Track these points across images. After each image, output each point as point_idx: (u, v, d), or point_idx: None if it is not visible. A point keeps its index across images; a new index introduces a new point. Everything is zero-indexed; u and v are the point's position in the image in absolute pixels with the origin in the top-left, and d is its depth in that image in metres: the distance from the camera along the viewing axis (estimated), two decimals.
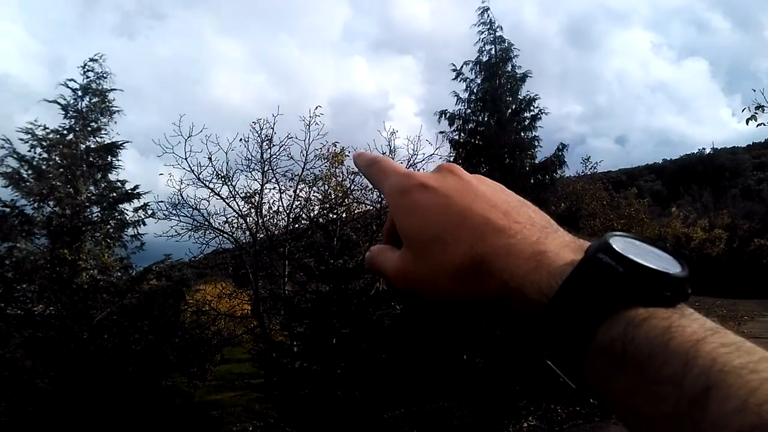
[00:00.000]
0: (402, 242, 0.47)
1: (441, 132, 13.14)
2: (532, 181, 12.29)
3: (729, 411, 0.28)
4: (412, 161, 14.77)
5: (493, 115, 12.40)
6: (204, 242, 14.16)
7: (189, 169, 13.30)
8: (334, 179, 16.46)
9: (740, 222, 30.79)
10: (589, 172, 21.15)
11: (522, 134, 12.44)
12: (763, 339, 12.99)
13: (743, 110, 7.12)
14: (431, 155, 15.05)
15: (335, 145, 16.15)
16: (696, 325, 0.33)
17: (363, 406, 8.69)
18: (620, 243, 0.37)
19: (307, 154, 14.60)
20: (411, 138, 15.49)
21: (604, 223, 18.06)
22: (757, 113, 7.09)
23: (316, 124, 14.47)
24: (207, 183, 13.59)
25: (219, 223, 14.10)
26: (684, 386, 0.30)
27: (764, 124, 7.15)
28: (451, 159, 13.04)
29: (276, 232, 15.14)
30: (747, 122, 7.16)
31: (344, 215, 15.45)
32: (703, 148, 62.00)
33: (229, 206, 14.03)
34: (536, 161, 12.47)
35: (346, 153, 16.45)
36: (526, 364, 9.42)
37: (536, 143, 12.35)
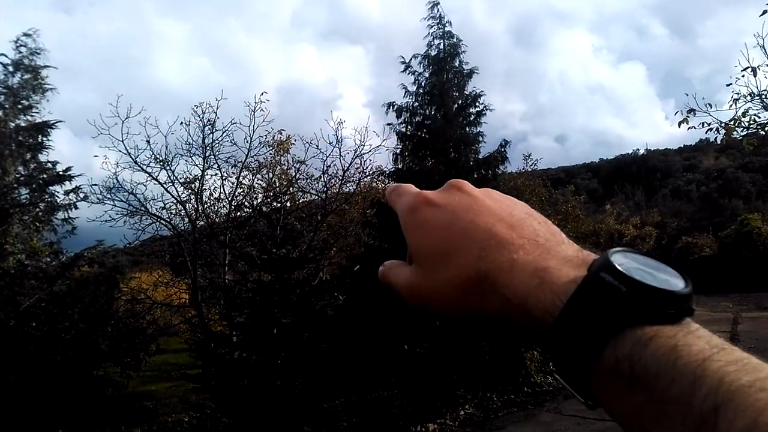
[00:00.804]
0: (412, 258, 0.48)
1: (389, 124, 13.16)
2: (475, 175, 12.49)
3: (738, 430, 0.28)
4: (358, 152, 14.78)
5: (440, 110, 12.50)
6: (140, 228, 13.70)
7: (126, 152, 12.81)
8: (278, 167, 16.25)
9: (669, 220, 32.48)
10: (530, 169, 21.76)
11: (467, 129, 12.60)
12: None
13: (676, 113, 7.47)
14: (378, 147, 15.08)
15: (281, 133, 15.94)
16: (702, 342, 0.33)
17: (303, 396, 8.66)
18: (622, 260, 0.37)
19: (251, 141, 14.33)
20: (358, 129, 15.50)
21: None
22: (689, 117, 7.45)
23: (262, 110, 14.21)
24: (144, 167, 13.12)
25: (156, 209, 13.65)
26: (692, 405, 0.30)
27: (695, 128, 7.51)
28: (398, 151, 13.12)
29: (217, 219, 14.82)
30: (679, 125, 7.51)
31: (288, 204, 15.27)
32: (638, 149, 65.03)
33: (168, 192, 13.60)
34: (480, 156, 12.67)
35: (292, 141, 16.25)
36: (464, 353, 9.63)
37: (480, 139, 12.54)
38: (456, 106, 12.80)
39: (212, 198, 14.79)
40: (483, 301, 0.41)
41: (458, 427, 8.91)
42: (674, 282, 0.37)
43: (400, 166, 12.89)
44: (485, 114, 12.71)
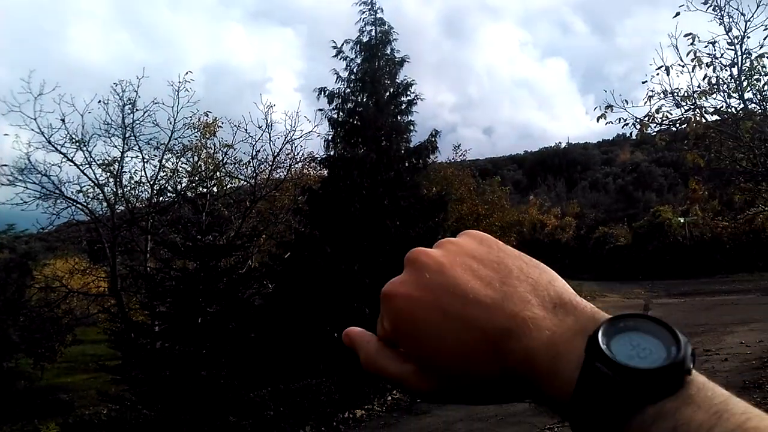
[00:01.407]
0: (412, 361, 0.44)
1: (320, 110, 13.03)
2: (406, 164, 12.61)
3: None
4: (289, 137, 14.55)
5: (372, 97, 12.50)
6: (55, 212, 12.92)
7: (39, 131, 12.06)
8: (204, 151, 15.71)
9: (588, 211, 34.14)
10: (459, 160, 22.25)
11: (399, 118, 12.68)
12: None
13: (595, 108, 7.82)
14: (309, 133, 14.91)
15: (207, 115, 15.41)
16: (701, 414, 0.32)
17: (229, 386, 8.48)
18: (611, 340, 0.36)
19: (175, 122, 13.81)
20: (289, 114, 15.26)
21: (471, 208, 19.14)
22: (606, 112, 7.81)
23: (187, 90, 13.76)
24: (59, 147, 12.40)
25: (72, 192, 12.93)
26: None
27: (612, 123, 7.88)
28: (330, 138, 13.03)
29: (138, 204, 14.21)
30: (598, 120, 7.87)
31: (215, 189, 14.85)
32: (560, 143, 67.65)
33: (84, 174, 12.90)
34: (411, 145, 12.80)
35: (219, 124, 15.75)
36: None
37: (412, 128, 12.66)
38: (388, 94, 12.83)
39: (133, 181, 14.16)
40: (506, 390, 0.40)
41: (386, 412, 9.04)
42: (666, 350, 0.36)
43: (332, 153, 12.81)
44: (416, 103, 12.85)
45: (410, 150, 12.83)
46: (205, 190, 14.41)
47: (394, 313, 0.44)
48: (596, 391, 0.35)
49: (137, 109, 13.13)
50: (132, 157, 13.75)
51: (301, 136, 14.78)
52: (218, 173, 15.33)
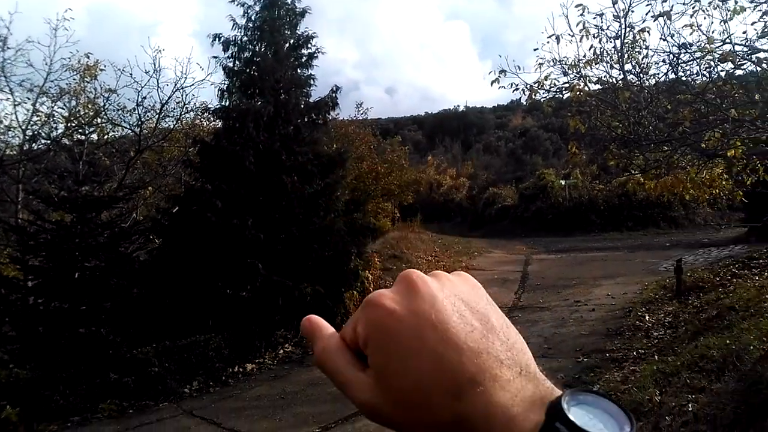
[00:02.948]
0: (374, 376, 0.43)
1: (215, 57, 12.32)
2: (306, 119, 12.34)
3: None
4: (180, 84, 13.74)
5: (271, 47, 11.97)
6: None
7: None
8: (84, 95, 14.41)
9: (481, 173, 35.60)
10: (360, 118, 22.14)
11: (299, 71, 12.29)
12: (487, 270, 15.46)
13: (490, 73, 8.02)
14: (202, 81, 14.12)
15: (88, 57, 14.12)
16: None
17: (110, 343, 8.09)
18: (571, 408, 0.39)
19: (51, 63, 12.55)
20: (180, 59, 14.32)
21: (371, 166, 19.22)
22: (500, 77, 8.04)
23: (66, 29, 12.61)
24: None
25: None
26: None
27: (505, 87, 8.15)
28: (225, 87, 12.39)
29: (8, 151, 12.87)
30: (492, 84, 8.09)
31: (96, 137, 13.76)
32: (458, 106, 69.42)
33: None
34: (311, 100, 12.51)
35: (102, 67, 14.47)
36: (285, 295, 9.72)
37: (312, 82, 12.32)
38: (288, 45, 12.38)
39: (2, 126, 12.76)
40: None
41: (277, 365, 9.09)
42: (619, 428, 0.39)
43: (226, 104, 12.22)
44: (317, 57, 12.51)
45: (310, 105, 12.54)
46: (83, 137, 13.30)
47: (374, 323, 0.43)
48: None
49: (8, 47, 11.76)
50: (1, 99, 12.37)
51: (192, 84, 14.03)
52: (99, 119, 14.17)
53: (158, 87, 13.40)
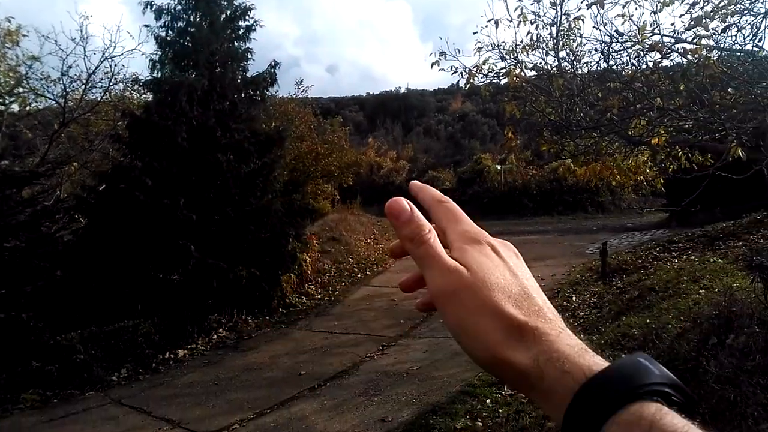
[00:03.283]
0: (466, 262, 0.51)
1: (146, 26, 11.68)
2: (243, 95, 11.97)
3: None
4: (108, 53, 13.02)
5: (206, 17, 11.47)
6: None
7: None
8: (4, 62, 13.41)
9: (421, 156, 35.89)
10: (301, 96, 21.72)
11: (235, 44, 11.87)
12: None
13: (430, 55, 8.02)
14: (133, 50, 13.44)
15: (9, 21, 13.13)
16: (678, 420, 0.40)
17: (31, 329, 7.64)
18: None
19: None
20: (109, 27, 13.55)
21: (310, 146, 18.94)
22: (440, 59, 8.06)
23: None
24: None
25: None
26: None
27: (444, 70, 8.15)
28: (157, 58, 11.80)
29: None
30: (432, 66, 8.11)
31: (16, 108, 12.85)
32: (399, 87, 69.54)
33: None
34: (249, 75, 12.14)
35: (24, 32, 13.48)
36: (219, 278, 9.48)
37: (250, 56, 11.93)
38: (224, 16, 11.92)
39: None
40: (518, 345, 0.47)
41: (210, 350, 8.88)
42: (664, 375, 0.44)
43: (158, 76, 11.66)
44: (255, 29, 12.11)
45: (248, 80, 12.17)
46: (3, 108, 12.40)
47: (474, 233, 0.54)
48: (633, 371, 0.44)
49: None
50: None
51: (122, 54, 13.32)
52: (20, 89, 13.24)
53: (85, 56, 12.62)
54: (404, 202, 0.54)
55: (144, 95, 14.28)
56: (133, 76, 14.53)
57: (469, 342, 0.48)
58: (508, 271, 0.51)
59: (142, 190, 9.55)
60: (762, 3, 5.31)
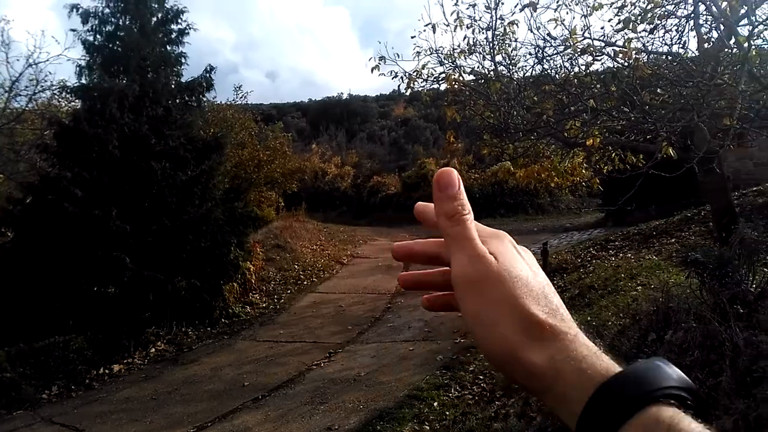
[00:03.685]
0: (497, 252, 0.51)
1: (73, 30, 11.14)
2: (177, 100, 11.58)
3: None
4: (33, 59, 12.42)
5: (136, 21, 11.02)
6: None
7: None
8: None
9: (365, 161, 35.86)
10: (240, 102, 21.26)
11: (168, 48, 11.47)
12: (372, 257, 15.62)
13: (370, 59, 7.98)
14: (59, 56, 12.86)
15: None
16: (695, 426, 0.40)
17: None
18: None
19: None
20: (34, 32, 12.90)
21: (252, 153, 18.56)
22: (380, 64, 8.03)
23: None
24: None
25: None
26: None
27: (385, 75, 8.13)
28: (84, 63, 11.25)
29: None
30: (372, 70, 8.07)
31: None
32: (341, 93, 69.23)
33: None
34: (183, 80, 11.77)
35: None
36: (157, 290, 9.11)
37: (183, 60, 11.55)
38: (156, 19, 11.50)
39: None
40: (534, 344, 0.46)
41: (148, 364, 8.50)
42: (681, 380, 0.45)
43: (86, 82, 11.11)
44: (189, 33, 11.74)
45: (182, 85, 11.80)
46: None
47: (493, 230, 0.55)
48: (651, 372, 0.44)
49: None
50: None
51: (47, 60, 12.74)
52: None
53: (8, 62, 11.98)
54: (455, 175, 0.55)
55: (72, 103, 13.65)
56: (61, 83, 13.88)
57: (485, 335, 0.48)
58: (528, 268, 0.51)
59: (72, 201, 9.07)
60: (684, 7, 5.56)
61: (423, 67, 7.84)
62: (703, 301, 4.28)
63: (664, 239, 10.15)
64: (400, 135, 46.42)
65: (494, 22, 6.72)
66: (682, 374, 0.45)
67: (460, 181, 0.55)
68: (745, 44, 3.87)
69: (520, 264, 0.50)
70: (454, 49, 7.35)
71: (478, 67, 7.59)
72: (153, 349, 8.90)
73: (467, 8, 6.92)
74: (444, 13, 7.17)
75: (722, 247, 4.73)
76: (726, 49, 4.54)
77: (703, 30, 5.51)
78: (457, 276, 0.50)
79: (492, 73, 7.36)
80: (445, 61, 7.66)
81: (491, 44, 7.08)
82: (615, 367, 0.45)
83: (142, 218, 9.57)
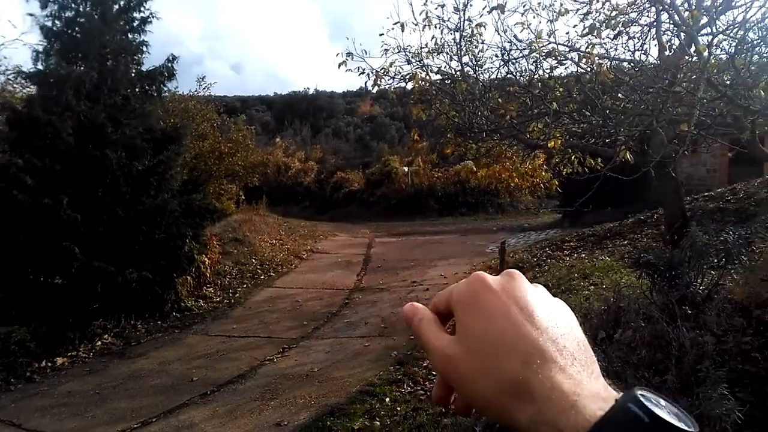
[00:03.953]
0: (456, 331, 0.49)
1: (31, 14, 10.69)
2: (137, 89, 11.25)
3: None
4: None
5: (97, 7, 10.64)
6: None
7: None
8: None
9: (329, 157, 35.71)
10: (204, 93, 20.84)
11: (129, 36, 11.12)
12: (331, 253, 15.55)
13: (337, 55, 7.92)
14: (13, 40, 12.33)
15: None
16: None
17: None
18: (647, 397, 0.41)
19: None
20: None
21: (213, 145, 18.22)
22: (347, 60, 7.99)
23: None
24: None
25: None
26: None
27: (352, 71, 8.09)
28: (41, 49, 10.81)
29: None
30: (339, 66, 8.01)
31: None
32: (308, 89, 68.65)
33: None
34: (144, 69, 11.44)
35: None
36: (105, 282, 8.86)
37: (145, 48, 11.22)
38: (117, 7, 11.12)
39: None
40: (514, 403, 0.44)
41: (93, 358, 8.25)
42: (688, 424, 0.40)
43: (41, 68, 10.69)
44: (151, 22, 11.39)
45: (142, 74, 11.46)
46: None
47: (472, 291, 0.50)
48: (620, 428, 0.40)
49: None
50: None
51: (2, 43, 12.19)
52: None
53: None
54: (410, 306, 0.55)
55: (27, 89, 13.15)
56: (16, 69, 13.37)
57: (471, 401, 0.49)
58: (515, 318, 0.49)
59: (22, 189, 8.74)
60: (647, 15, 5.72)
61: (390, 65, 7.84)
62: (653, 301, 4.42)
63: (618, 241, 10.44)
64: (366, 132, 46.40)
65: (462, 23, 6.77)
66: (662, 412, 0.41)
67: (418, 306, 0.55)
68: (705, 53, 3.99)
69: (484, 317, 0.48)
70: (422, 48, 7.37)
71: (445, 67, 7.62)
72: (99, 342, 8.64)
73: (436, 8, 6.96)
74: (413, 12, 7.20)
75: (673, 249, 4.88)
76: (686, 57, 4.68)
77: (665, 38, 5.67)
78: (434, 362, 0.51)
79: (459, 73, 7.42)
80: (413, 60, 7.67)
81: (459, 45, 7.13)
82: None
83: (94, 208, 9.27)
